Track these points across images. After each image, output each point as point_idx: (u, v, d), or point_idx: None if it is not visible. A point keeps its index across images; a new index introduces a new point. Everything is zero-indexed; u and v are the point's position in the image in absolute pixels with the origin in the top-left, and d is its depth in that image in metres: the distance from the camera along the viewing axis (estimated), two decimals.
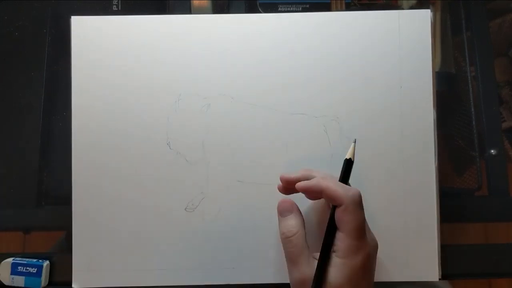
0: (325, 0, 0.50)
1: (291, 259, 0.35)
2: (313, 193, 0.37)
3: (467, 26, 0.51)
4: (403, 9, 0.50)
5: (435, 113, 0.42)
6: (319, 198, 0.37)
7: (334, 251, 0.34)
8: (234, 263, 0.41)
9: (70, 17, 0.42)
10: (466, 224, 0.47)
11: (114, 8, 0.49)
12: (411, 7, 0.51)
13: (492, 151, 0.48)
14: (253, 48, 0.42)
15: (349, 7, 0.51)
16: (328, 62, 0.42)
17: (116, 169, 0.41)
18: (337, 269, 0.33)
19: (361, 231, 0.34)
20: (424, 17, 0.42)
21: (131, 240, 0.41)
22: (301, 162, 0.41)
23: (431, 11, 0.42)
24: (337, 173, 0.37)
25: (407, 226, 0.41)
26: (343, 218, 0.34)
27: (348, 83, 0.42)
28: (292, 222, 0.36)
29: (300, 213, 0.37)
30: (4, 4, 0.49)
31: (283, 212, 0.37)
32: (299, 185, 0.36)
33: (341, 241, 0.34)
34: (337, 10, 0.50)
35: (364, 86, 0.42)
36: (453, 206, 0.44)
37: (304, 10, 0.50)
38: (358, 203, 0.34)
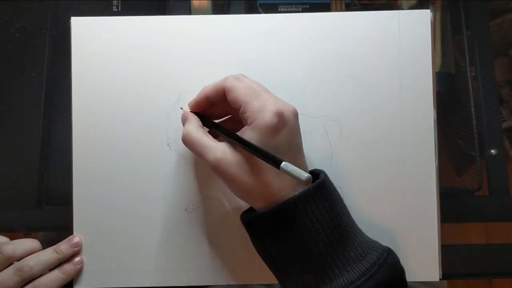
0: (325, 0, 0.50)
1: (199, 154, 0.35)
2: (203, 103, 0.37)
3: (467, 26, 0.51)
4: (403, 9, 0.50)
5: (435, 113, 0.42)
6: (208, 107, 0.38)
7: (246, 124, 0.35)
8: (234, 263, 0.41)
9: (70, 18, 0.42)
10: (466, 224, 0.47)
11: (114, 9, 0.49)
12: (411, 7, 0.51)
13: (492, 151, 0.48)
14: (253, 48, 0.42)
15: (349, 7, 0.51)
16: (328, 62, 0.42)
17: (116, 170, 0.41)
18: (249, 132, 0.34)
19: (253, 93, 0.34)
20: (424, 17, 0.42)
21: (131, 240, 0.41)
22: None
23: (431, 11, 0.42)
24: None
25: (407, 226, 0.41)
26: (231, 95, 0.35)
27: (348, 83, 0.42)
28: (185, 127, 0.37)
29: (195, 116, 0.38)
30: (4, 4, 0.49)
31: (183, 123, 0.38)
32: (189, 104, 0.38)
33: (244, 112, 0.34)
34: (337, 10, 0.50)
35: (364, 86, 0.42)
36: (453, 206, 0.44)
37: (304, 10, 0.50)
38: (234, 77, 0.36)
